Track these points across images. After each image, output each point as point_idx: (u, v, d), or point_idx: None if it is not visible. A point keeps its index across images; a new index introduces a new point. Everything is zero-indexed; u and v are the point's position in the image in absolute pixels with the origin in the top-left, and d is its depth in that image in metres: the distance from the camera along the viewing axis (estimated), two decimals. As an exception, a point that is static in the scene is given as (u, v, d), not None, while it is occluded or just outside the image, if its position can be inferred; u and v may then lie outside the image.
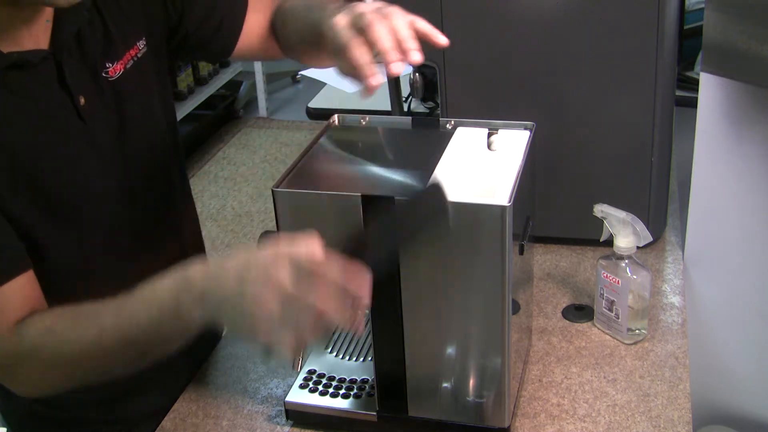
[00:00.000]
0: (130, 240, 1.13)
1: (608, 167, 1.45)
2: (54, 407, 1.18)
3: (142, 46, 1.11)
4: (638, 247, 1.22)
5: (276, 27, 1.24)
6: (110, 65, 1.06)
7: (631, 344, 1.26)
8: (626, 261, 1.23)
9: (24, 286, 0.98)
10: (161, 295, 0.87)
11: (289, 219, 1.01)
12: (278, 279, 0.77)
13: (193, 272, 0.86)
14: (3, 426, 1.23)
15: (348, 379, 1.17)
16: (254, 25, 1.24)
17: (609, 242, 1.24)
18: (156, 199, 1.17)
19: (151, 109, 1.15)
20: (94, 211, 1.07)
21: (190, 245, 1.29)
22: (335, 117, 1.17)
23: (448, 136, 1.10)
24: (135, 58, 1.10)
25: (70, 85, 1.00)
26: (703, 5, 1.34)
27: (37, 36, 0.98)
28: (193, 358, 1.30)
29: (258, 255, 0.80)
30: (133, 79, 1.09)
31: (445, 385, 1.05)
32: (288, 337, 0.78)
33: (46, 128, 1.00)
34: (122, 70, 1.07)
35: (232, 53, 1.24)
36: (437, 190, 0.87)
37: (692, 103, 1.44)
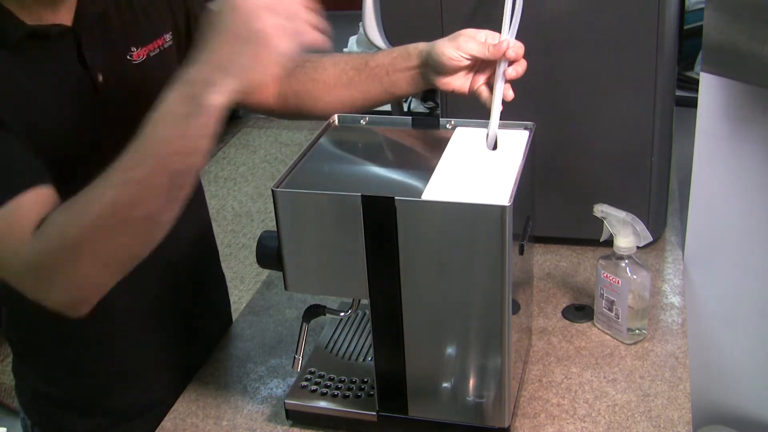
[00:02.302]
0: None
1: (608, 167, 1.44)
2: (60, 387, 1.20)
3: (168, 39, 1.15)
4: (638, 247, 1.22)
5: (313, 85, 1.25)
6: (135, 49, 1.10)
7: (631, 344, 1.26)
8: (626, 261, 1.23)
9: (44, 200, 0.93)
10: (166, 109, 0.85)
11: (289, 219, 1.01)
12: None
13: (180, 73, 0.85)
14: (3, 426, 1.24)
15: (348, 379, 1.17)
16: None
17: (609, 242, 1.24)
18: None
19: None
20: None
21: (199, 231, 1.32)
22: (335, 117, 1.17)
23: (448, 136, 1.10)
24: (161, 48, 1.14)
25: (89, 62, 1.04)
26: (703, 5, 1.34)
27: (61, 15, 1.02)
28: (192, 351, 1.31)
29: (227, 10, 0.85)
30: (157, 67, 1.13)
31: (445, 385, 1.05)
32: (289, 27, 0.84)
33: (62, 98, 1.03)
34: (145, 56, 1.11)
35: None
36: None
37: (692, 103, 1.44)
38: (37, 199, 0.93)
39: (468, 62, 1.10)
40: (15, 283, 0.93)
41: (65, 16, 1.02)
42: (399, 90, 1.18)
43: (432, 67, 1.13)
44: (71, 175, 1.02)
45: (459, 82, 1.12)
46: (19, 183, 0.92)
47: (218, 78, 0.83)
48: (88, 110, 1.05)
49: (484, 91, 1.12)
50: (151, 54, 1.13)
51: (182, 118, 0.84)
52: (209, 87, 0.83)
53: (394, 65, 1.17)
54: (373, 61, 1.20)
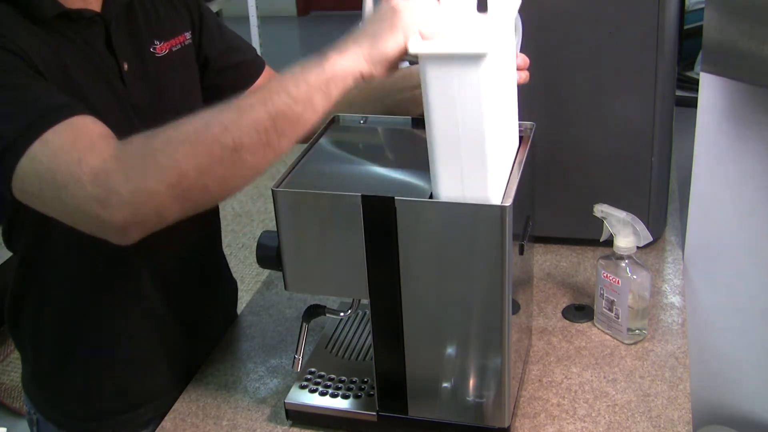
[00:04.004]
0: None
1: (608, 167, 1.45)
2: (66, 374, 1.20)
3: (188, 37, 1.20)
4: (638, 247, 1.22)
5: None
6: (158, 43, 1.15)
7: (631, 344, 1.26)
8: (626, 261, 1.23)
9: (99, 124, 0.92)
10: (298, 64, 0.91)
11: (289, 219, 1.01)
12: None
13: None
14: (3, 426, 1.24)
15: (348, 379, 1.17)
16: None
17: (609, 242, 1.24)
18: None
19: (187, 92, 1.21)
20: None
21: (209, 220, 1.33)
22: (335, 117, 1.17)
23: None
24: (182, 45, 1.19)
25: (116, 49, 1.08)
26: (703, 5, 1.34)
27: (90, 1, 1.06)
28: (198, 342, 1.31)
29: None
30: (177, 62, 1.18)
31: (445, 385, 1.05)
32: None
33: (93, 79, 1.05)
34: (168, 50, 1.16)
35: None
36: None
37: (692, 103, 1.44)
38: (93, 120, 0.91)
39: None
40: (73, 199, 0.86)
41: (94, 4, 1.06)
42: (400, 110, 1.20)
43: None
44: None
45: None
46: (75, 108, 0.91)
47: (348, 46, 0.92)
48: (115, 97, 1.08)
49: None
50: (174, 49, 1.17)
51: (305, 68, 0.90)
52: (338, 51, 0.91)
53: (395, 86, 1.19)
54: (375, 82, 1.21)
